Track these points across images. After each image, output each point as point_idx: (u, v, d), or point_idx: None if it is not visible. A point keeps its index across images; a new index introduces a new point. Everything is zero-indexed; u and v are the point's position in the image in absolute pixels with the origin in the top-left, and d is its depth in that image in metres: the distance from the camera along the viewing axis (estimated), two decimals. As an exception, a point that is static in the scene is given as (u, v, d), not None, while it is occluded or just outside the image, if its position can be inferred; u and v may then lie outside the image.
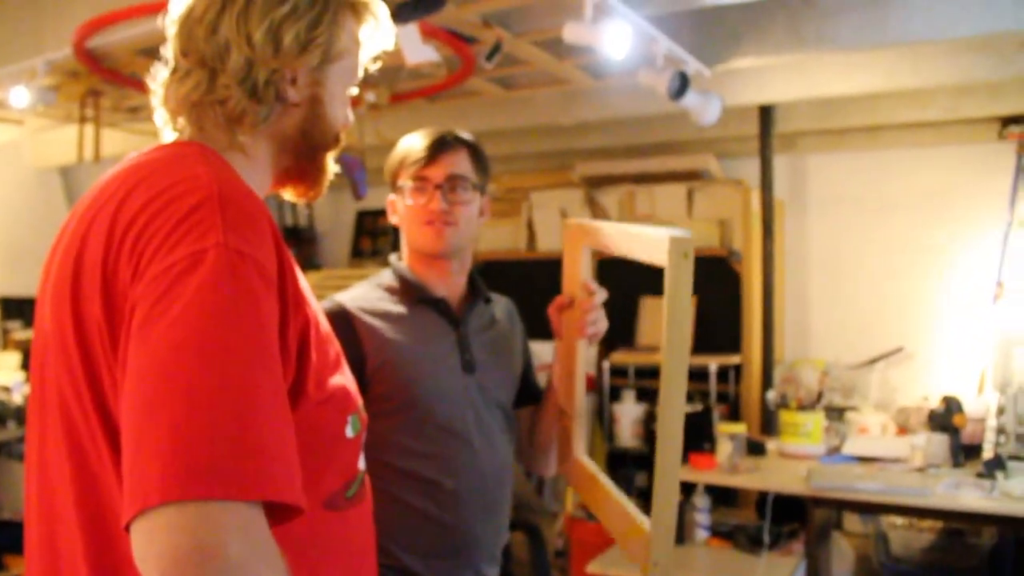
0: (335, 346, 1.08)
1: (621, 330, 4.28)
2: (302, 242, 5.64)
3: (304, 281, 1.05)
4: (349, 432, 1.07)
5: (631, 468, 4.11)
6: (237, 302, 0.87)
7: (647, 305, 4.32)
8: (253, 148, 1.09)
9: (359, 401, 1.12)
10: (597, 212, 4.55)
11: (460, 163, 1.79)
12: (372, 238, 5.74)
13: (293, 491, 0.84)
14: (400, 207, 1.82)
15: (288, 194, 1.19)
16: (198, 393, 0.81)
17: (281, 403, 0.88)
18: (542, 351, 4.33)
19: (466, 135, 1.84)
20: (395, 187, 1.83)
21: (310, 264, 5.57)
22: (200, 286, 0.85)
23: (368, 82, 3.60)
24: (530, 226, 4.72)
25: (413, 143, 1.81)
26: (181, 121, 1.08)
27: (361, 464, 1.14)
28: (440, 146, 1.79)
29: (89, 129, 4.00)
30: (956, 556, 3.43)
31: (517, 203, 4.77)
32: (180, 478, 0.77)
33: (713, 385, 3.95)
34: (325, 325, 1.08)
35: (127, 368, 0.85)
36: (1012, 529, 3.18)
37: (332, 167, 1.19)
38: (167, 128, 1.10)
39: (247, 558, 0.78)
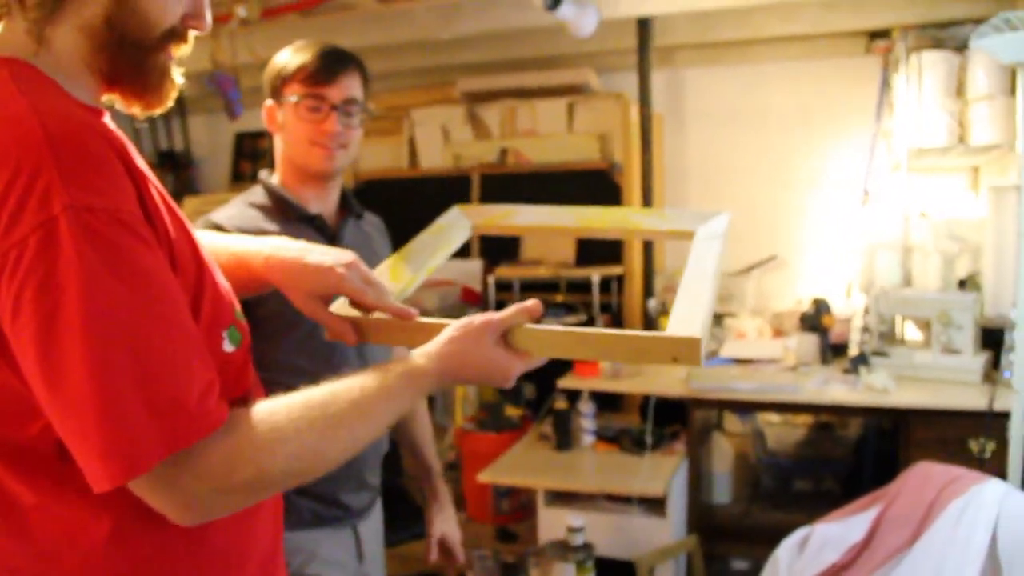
0: (199, 257, 1.02)
1: (505, 245, 4.31)
2: (178, 167, 5.45)
3: (162, 194, 0.99)
4: (227, 346, 1.03)
5: (520, 381, 4.17)
6: (109, 269, 0.83)
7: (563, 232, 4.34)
8: (64, 44, 0.95)
9: (235, 308, 1.08)
10: (479, 128, 4.54)
11: (355, 85, 1.76)
12: (252, 161, 5.58)
13: (216, 417, 0.90)
14: (286, 120, 1.76)
15: (120, 103, 1.04)
16: (112, 376, 0.83)
17: (189, 338, 0.91)
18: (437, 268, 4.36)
19: (353, 53, 1.81)
20: (278, 95, 1.77)
21: (188, 189, 5.40)
22: (65, 266, 0.81)
23: (238, -6, 3.49)
24: (411, 144, 4.67)
25: (304, 54, 1.75)
26: None
27: (250, 381, 1.12)
28: (338, 63, 1.74)
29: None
30: (826, 447, 3.63)
31: (398, 121, 4.70)
32: (121, 463, 0.84)
33: (596, 295, 4.02)
34: (189, 237, 1.02)
35: (27, 366, 0.85)
36: (875, 419, 3.38)
37: (172, 73, 1.03)
38: None
39: (231, 476, 0.90)
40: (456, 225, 1.58)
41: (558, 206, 1.64)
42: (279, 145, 1.80)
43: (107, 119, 1.01)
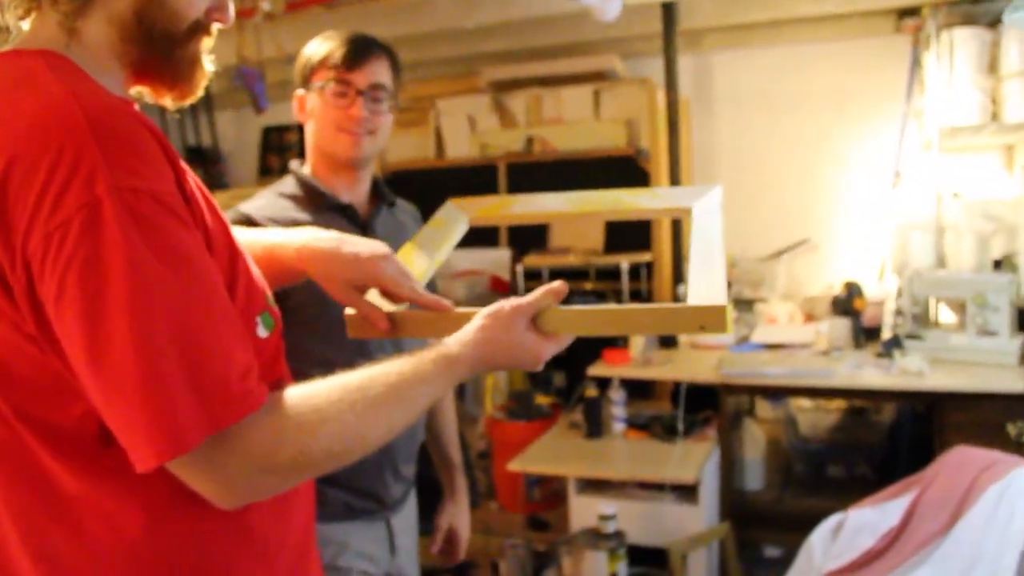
0: (232, 243, 1.04)
1: (533, 233, 4.30)
2: (207, 162, 5.47)
3: (196, 181, 1.00)
4: (261, 332, 1.05)
5: (549, 370, 4.17)
6: (153, 250, 0.85)
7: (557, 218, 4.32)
8: (94, 37, 0.97)
9: (267, 294, 1.09)
10: (505, 117, 4.52)
11: (382, 71, 1.76)
12: (280, 155, 5.59)
13: (257, 397, 0.91)
14: (314, 107, 1.77)
15: (149, 95, 1.07)
16: (156, 356, 0.84)
17: (229, 319, 0.92)
18: (458, 259, 4.36)
19: (384, 41, 1.80)
20: (307, 84, 1.78)
21: (217, 184, 5.42)
22: (110, 247, 0.82)
23: (262, -12, 3.49)
24: (438, 134, 4.66)
25: (332, 42, 1.76)
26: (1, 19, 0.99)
27: (283, 369, 1.13)
28: (365, 50, 1.74)
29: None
30: (859, 432, 3.59)
31: (424, 111, 4.69)
32: (165, 442, 0.84)
33: (625, 283, 4.00)
34: (222, 222, 1.04)
35: (71, 348, 0.86)
36: (909, 403, 3.34)
37: (202, 63, 1.05)
38: None
39: (280, 451, 0.92)
40: (453, 219, 1.58)
41: (551, 192, 1.64)
42: (309, 134, 1.80)
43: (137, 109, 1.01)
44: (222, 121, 5.47)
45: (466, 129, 4.56)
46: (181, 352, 0.85)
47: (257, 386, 0.92)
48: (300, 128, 1.85)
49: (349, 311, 1.23)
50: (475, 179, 4.40)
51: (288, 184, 1.82)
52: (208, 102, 5.20)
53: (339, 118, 1.73)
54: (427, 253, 1.44)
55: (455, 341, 1.11)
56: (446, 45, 4.45)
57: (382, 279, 1.21)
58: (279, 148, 5.60)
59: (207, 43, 1.06)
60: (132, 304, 0.83)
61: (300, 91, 1.79)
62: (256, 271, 1.09)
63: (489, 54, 4.54)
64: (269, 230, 1.31)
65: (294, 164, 1.84)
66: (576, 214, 1.62)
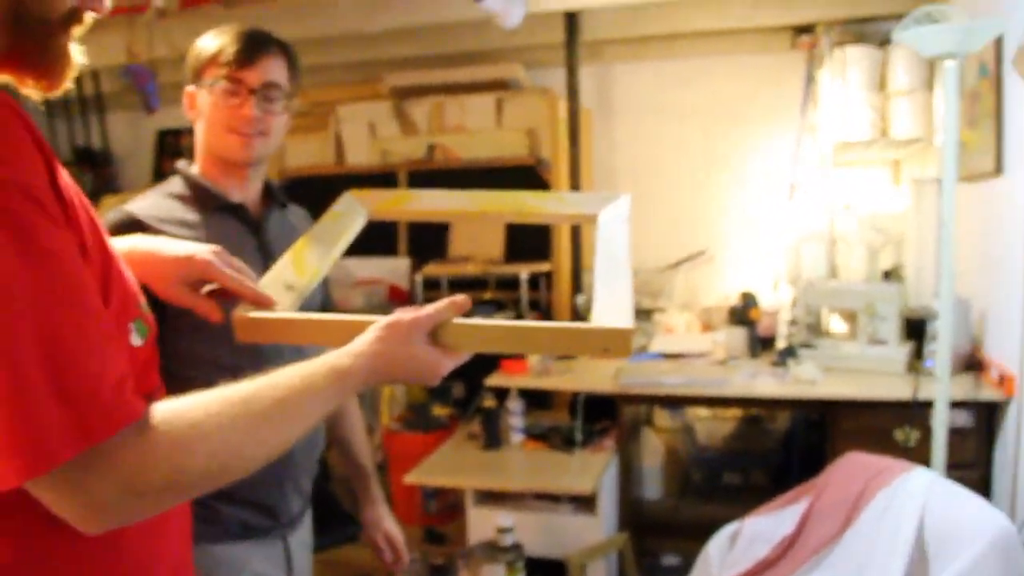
0: (106, 245, 0.95)
1: (433, 243, 4.25)
2: (97, 164, 5.27)
3: (71, 181, 0.91)
4: (135, 340, 0.96)
5: (448, 381, 4.12)
6: (17, 248, 0.76)
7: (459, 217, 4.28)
8: None
9: (140, 300, 1.01)
10: (406, 124, 4.46)
11: (276, 69, 1.66)
12: (174, 158, 5.36)
13: (132, 410, 0.84)
14: (204, 105, 1.67)
15: (15, 84, 0.95)
16: (18, 364, 0.76)
17: (102, 326, 0.84)
18: (357, 267, 4.28)
19: (280, 38, 1.72)
20: (197, 80, 1.68)
21: (108, 188, 5.22)
22: None
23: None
24: (338, 140, 4.58)
25: (225, 37, 1.66)
26: None
27: (156, 380, 1.05)
28: (258, 46, 1.64)
29: None
30: (755, 440, 3.64)
31: (324, 117, 4.61)
32: (29, 457, 0.77)
33: (524, 292, 3.99)
34: (95, 224, 0.95)
35: None
36: (803, 411, 3.40)
37: (73, 54, 0.96)
38: None
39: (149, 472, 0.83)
40: (351, 212, 1.51)
41: (454, 190, 1.59)
42: (199, 133, 1.70)
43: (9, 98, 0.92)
44: (114, 123, 5.28)
45: (367, 135, 4.50)
46: (47, 358, 0.77)
47: (132, 398, 0.84)
48: (192, 124, 1.76)
49: (237, 312, 1.15)
50: (375, 186, 4.26)
51: (175, 184, 1.72)
52: (99, 102, 5.01)
53: (229, 118, 1.64)
54: (322, 249, 1.37)
55: (348, 352, 1.04)
56: (348, 49, 4.38)
57: (210, 271, 1.18)
58: (174, 152, 5.42)
59: (78, 32, 0.96)
60: None
61: (190, 87, 1.70)
62: (129, 275, 1.00)
63: (392, 60, 4.48)
64: None
65: (181, 164, 1.74)
66: (478, 213, 1.57)
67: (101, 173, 5.26)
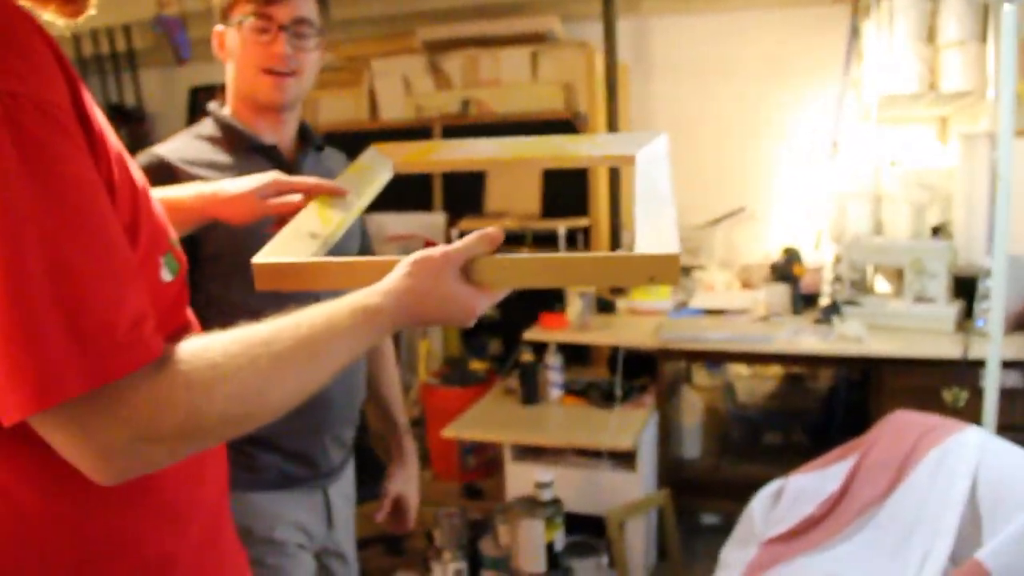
0: (135, 176, 0.91)
1: (468, 198, 4.21)
2: (130, 121, 5.25)
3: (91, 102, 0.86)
4: (165, 275, 0.92)
5: (484, 335, 4.10)
6: (28, 166, 0.71)
7: (493, 170, 4.24)
8: None
9: (171, 234, 0.97)
10: (440, 78, 4.41)
11: (307, 4, 1.61)
12: (197, 122, 5.38)
13: (149, 348, 0.78)
14: (232, 44, 1.63)
15: (46, 12, 0.91)
16: (25, 290, 0.71)
17: (121, 257, 0.79)
18: (391, 223, 4.25)
19: None
20: (226, 19, 1.64)
21: (142, 144, 5.15)
22: None
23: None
24: (372, 95, 4.53)
25: None
26: None
27: (188, 314, 1.01)
28: None
29: None
30: (796, 399, 3.59)
31: (357, 72, 4.56)
32: (33, 388, 0.72)
33: (562, 248, 3.94)
34: (123, 156, 0.91)
35: None
36: (846, 369, 3.34)
37: None
38: None
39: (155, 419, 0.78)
40: (377, 165, 1.47)
41: (484, 138, 1.54)
42: (229, 73, 1.67)
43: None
44: (147, 79, 5.24)
45: (401, 90, 4.44)
46: (58, 287, 0.72)
47: (151, 336, 0.79)
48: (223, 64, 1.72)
49: (256, 259, 1.10)
50: (409, 141, 4.28)
51: (206, 126, 1.69)
52: (131, 59, 4.98)
53: (260, 56, 1.59)
54: (344, 203, 1.32)
55: (376, 291, 0.98)
56: (381, 2, 4.32)
57: (282, 185, 1.28)
58: (203, 114, 5.39)
59: None
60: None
61: (219, 27, 1.66)
62: (159, 208, 0.96)
63: (424, 12, 4.42)
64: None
65: (212, 105, 1.71)
66: (509, 160, 1.51)
67: (135, 130, 5.24)
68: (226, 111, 1.69)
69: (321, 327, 0.91)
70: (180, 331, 0.96)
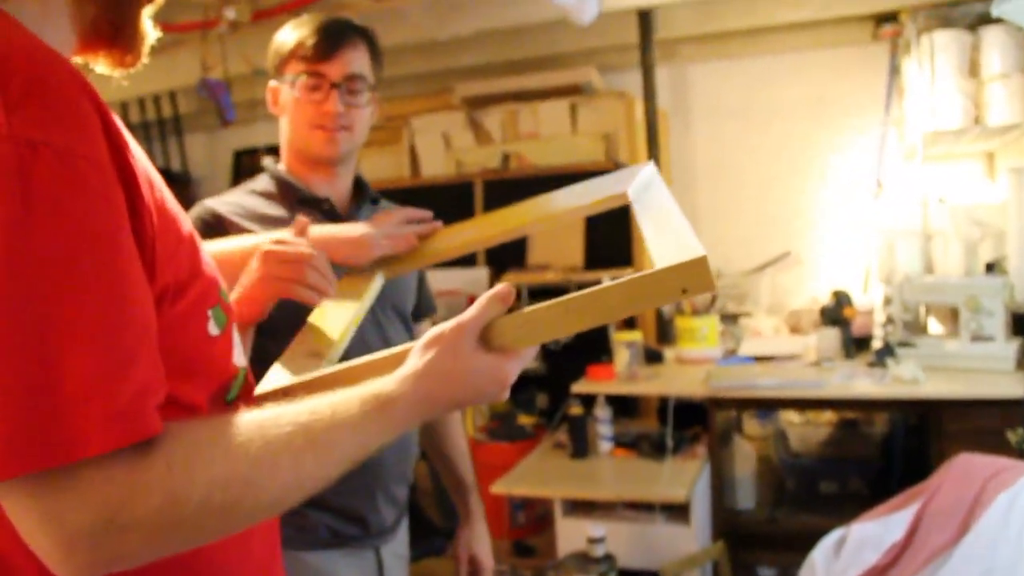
0: (185, 231, 0.88)
1: (511, 251, 4.20)
2: (177, 185, 5.34)
3: (144, 156, 0.86)
4: (212, 329, 0.89)
5: (532, 389, 4.06)
6: (38, 214, 0.67)
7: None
8: None
9: (221, 286, 0.94)
10: (480, 133, 4.43)
11: (358, 60, 1.62)
12: (252, 177, 5.47)
13: (144, 424, 0.71)
14: (286, 101, 1.64)
15: (101, 63, 0.92)
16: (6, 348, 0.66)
17: (135, 321, 0.73)
18: (434, 279, 4.25)
19: (362, 25, 1.68)
20: (279, 76, 1.66)
21: (188, 208, 5.29)
22: None
23: (227, -2, 3.39)
24: (412, 152, 4.57)
25: (304, 28, 1.63)
26: None
27: (239, 360, 0.97)
28: (338, 37, 1.60)
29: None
30: (852, 446, 3.49)
31: (398, 130, 4.61)
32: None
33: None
34: (173, 205, 0.88)
35: None
36: (903, 413, 3.25)
37: (150, 29, 0.93)
38: None
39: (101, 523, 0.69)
40: (368, 271, 1.43)
41: (467, 221, 1.51)
42: (283, 129, 1.68)
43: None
44: (192, 144, 5.35)
45: (441, 146, 4.47)
46: (39, 348, 0.66)
47: (151, 413, 0.73)
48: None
49: (258, 390, 1.04)
50: (451, 197, 4.30)
51: (261, 181, 1.69)
52: (177, 124, 5.09)
53: (313, 114, 1.60)
54: (343, 310, 1.28)
55: (392, 377, 0.90)
56: (419, 59, 4.37)
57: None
58: (251, 172, 5.44)
59: (151, 8, 0.93)
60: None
61: (273, 83, 1.67)
62: (210, 262, 0.94)
63: (463, 69, 4.46)
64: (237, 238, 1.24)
65: (267, 161, 1.72)
66: (493, 237, 1.43)
67: (181, 193, 5.27)
68: (280, 167, 1.70)
69: (326, 415, 0.84)
70: (228, 384, 0.94)
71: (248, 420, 0.80)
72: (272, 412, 0.81)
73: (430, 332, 0.93)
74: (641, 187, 1.34)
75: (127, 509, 0.69)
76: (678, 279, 0.89)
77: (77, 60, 0.91)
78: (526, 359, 0.95)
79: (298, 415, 0.82)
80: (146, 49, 0.94)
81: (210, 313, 0.89)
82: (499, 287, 0.94)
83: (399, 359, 0.94)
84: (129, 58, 0.92)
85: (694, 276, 0.89)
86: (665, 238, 1.03)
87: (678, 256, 0.92)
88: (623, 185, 1.36)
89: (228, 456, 0.76)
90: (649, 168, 1.41)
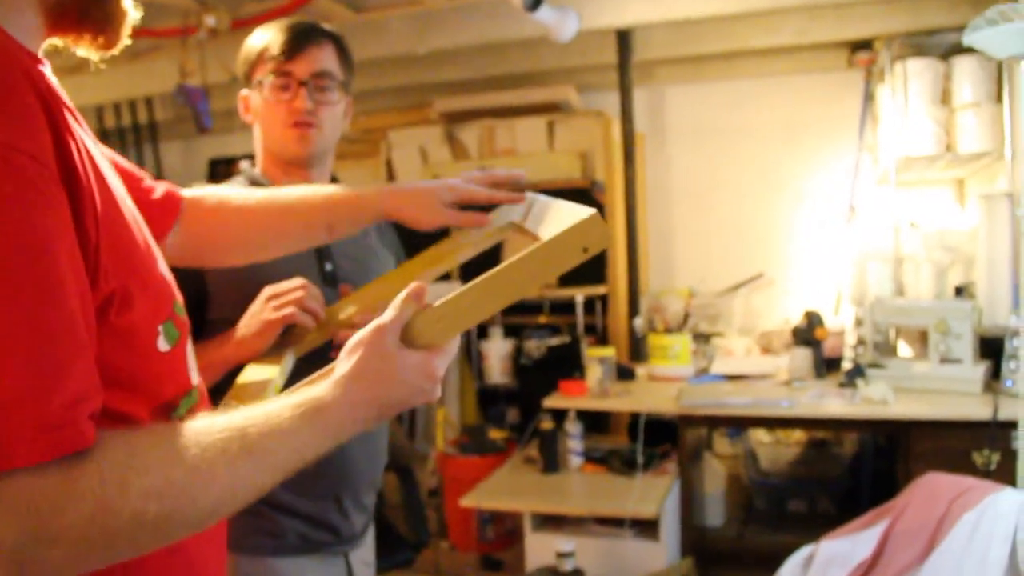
0: (140, 239, 0.86)
1: (487, 266, 4.19)
2: (150, 193, 5.31)
3: (100, 157, 0.83)
4: (162, 344, 0.86)
5: (502, 404, 4.06)
6: None
7: (511, 240, 4.23)
8: None
9: (176, 300, 0.92)
10: (457, 148, 4.44)
11: (326, 57, 1.63)
12: (228, 180, 5.44)
13: (76, 435, 0.69)
14: (256, 104, 1.65)
15: (80, 47, 0.89)
16: None
17: (70, 330, 0.70)
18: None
19: (330, 27, 1.69)
20: (249, 82, 1.67)
21: (160, 216, 5.26)
22: None
23: (206, 4, 3.39)
24: (389, 166, 4.57)
25: (271, 32, 1.64)
26: None
27: (191, 377, 0.94)
28: (304, 37, 1.62)
29: None
30: (820, 466, 3.51)
31: (375, 144, 4.60)
32: None
33: (580, 316, 3.92)
34: (128, 211, 0.85)
35: None
36: (872, 433, 3.28)
37: (129, 10, 0.89)
38: None
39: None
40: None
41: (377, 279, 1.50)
42: (257, 135, 1.68)
43: (47, 70, 0.84)
44: (167, 151, 5.31)
45: (418, 161, 4.47)
46: None
47: (85, 423, 0.70)
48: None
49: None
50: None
51: (237, 183, 1.69)
52: (153, 131, 5.06)
53: (283, 113, 1.61)
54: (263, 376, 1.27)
55: (323, 383, 0.89)
56: (398, 74, 4.37)
57: (463, 193, 1.29)
58: (226, 179, 5.45)
59: None
60: None
61: (244, 91, 1.68)
62: (166, 272, 0.91)
63: (441, 84, 4.47)
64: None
65: (244, 164, 1.72)
66: (400, 282, 1.34)
67: (155, 201, 5.28)
68: (256, 171, 1.70)
69: (260, 421, 0.82)
70: (176, 400, 0.91)
71: (182, 427, 0.77)
72: (206, 420, 0.80)
73: (351, 339, 0.92)
74: (523, 209, 1.31)
75: (55, 520, 0.66)
76: (577, 239, 0.93)
77: (55, 42, 0.88)
78: (451, 353, 0.95)
79: (231, 421, 0.80)
80: (126, 30, 0.90)
81: (160, 328, 0.86)
82: (412, 286, 0.95)
83: (327, 373, 0.93)
84: (103, 39, 0.89)
85: (591, 233, 0.92)
86: (550, 215, 1.09)
87: (569, 220, 0.95)
88: (510, 215, 1.34)
89: (163, 464, 0.73)
90: (531, 195, 1.35)
